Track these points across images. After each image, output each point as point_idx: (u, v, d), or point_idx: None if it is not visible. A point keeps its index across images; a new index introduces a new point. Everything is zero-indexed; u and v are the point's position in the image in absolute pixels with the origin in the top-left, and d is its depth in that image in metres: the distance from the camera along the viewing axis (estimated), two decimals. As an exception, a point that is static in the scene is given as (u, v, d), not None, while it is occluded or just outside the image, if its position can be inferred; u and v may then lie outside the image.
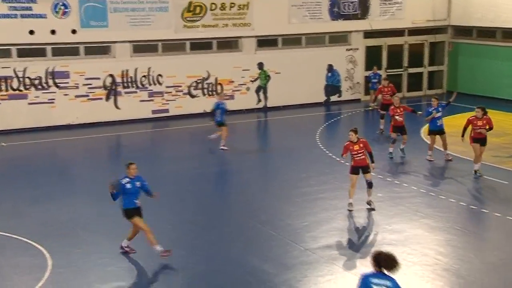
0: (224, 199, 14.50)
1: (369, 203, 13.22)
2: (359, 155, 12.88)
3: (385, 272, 6.88)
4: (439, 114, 16.56)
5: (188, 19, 22.37)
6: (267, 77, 23.83)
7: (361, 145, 12.89)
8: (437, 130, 16.60)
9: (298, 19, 24.02)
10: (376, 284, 6.93)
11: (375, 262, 6.97)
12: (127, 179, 10.76)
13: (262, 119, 23.10)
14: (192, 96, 22.93)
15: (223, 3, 22.72)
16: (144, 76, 22.15)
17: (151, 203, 11.37)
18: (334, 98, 25.12)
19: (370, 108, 23.36)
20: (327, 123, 22.19)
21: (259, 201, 14.11)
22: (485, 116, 15.31)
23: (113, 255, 11.10)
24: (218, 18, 22.81)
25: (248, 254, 11.18)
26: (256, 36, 23.56)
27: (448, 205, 13.51)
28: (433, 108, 16.69)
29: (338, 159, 16.67)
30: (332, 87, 25.07)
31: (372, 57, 25.61)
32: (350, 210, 13.07)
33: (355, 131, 12.93)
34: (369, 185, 13.15)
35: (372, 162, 13.15)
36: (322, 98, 24.77)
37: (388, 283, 6.87)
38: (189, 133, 21.02)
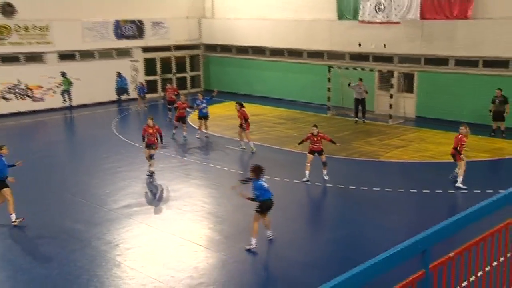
0: (44, 179, 13.30)
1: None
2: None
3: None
4: (203, 105, 16.93)
5: (-3, 38, 19.99)
6: (69, 83, 22.35)
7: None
8: (203, 116, 16.87)
9: (90, 38, 22.87)
10: (262, 182, 8.85)
11: (256, 172, 8.80)
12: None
13: (68, 115, 21.63)
14: (6, 100, 20.65)
15: (26, 26, 20.75)
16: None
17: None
18: (123, 97, 24.46)
19: (139, 109, 22.19)
20: (119, 116, 21.52)
21: (71, 178, 13.31)
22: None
23: None
24: (23, 37, 20.81)
25: (63, 218, 10.57)
26: (57, 51, 21.96)
27: (209, 169, 13.89)
28: (199, 101, 17.11)
29: (131, 142, 16.41)
30: (121, 89, 24.38)
31: (149, 66, 25.33)
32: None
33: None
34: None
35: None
36: (114, 97, 23.97)
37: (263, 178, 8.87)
38: (4, 130, 18.87)
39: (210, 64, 27.11)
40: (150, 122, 13.29)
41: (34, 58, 21.61)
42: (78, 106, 22.66)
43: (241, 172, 13.69)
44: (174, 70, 26.45)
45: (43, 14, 21.25)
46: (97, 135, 17.92)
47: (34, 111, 21.49)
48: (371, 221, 10.29)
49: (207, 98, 17.47)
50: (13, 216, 10.17)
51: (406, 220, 10.53)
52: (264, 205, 8.99)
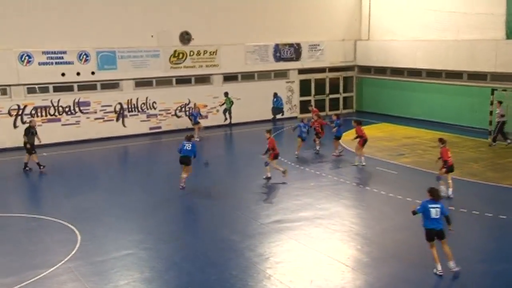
0: (209, 191, 14.07)
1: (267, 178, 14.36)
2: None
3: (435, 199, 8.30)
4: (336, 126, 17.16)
5: (174, 62, 22.31)
6: (231, 102, 23.90)
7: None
8: (336, 137, 17.19)
9: (251, 61, 24.22)
10: (432, 207, 8.35)
11: (430, 193, 8.36)
12: None
13: (228, 132, 23.16)
14: (178, 117, 22.86)
15: (198, 51, 22.74)
16: (143, 103, 22.00)
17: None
18: (278, 116, 25.43)
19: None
20: (275, 133, 22.29)
21: (230, 191, 13.82)
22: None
23: (125, 231, 11.03)
24: (195, 61, 22.81)
25: (222, 228, 11.09)
26: (222, 74, 23.63)
27: (359, 190, 13.74)
28: (335, 120, 17.38)
29: (282, 159, 16.56)
30: (277, 109, 25.37)
31: (304, 87, 25.90)
32: (266, 178, 14.35)
33: (269, 131, 14.60)
34: (265, 164, 14.29)
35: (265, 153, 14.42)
36: (270, 116, 25.01)
37: (438, 205, 8.36)
38: (177, 142, 20.81)
39: (364, 86, 26.83)
40: (268, 134, 14.57)
41: (203, 79, 23.53)
42: (237, 124, 24.06)
43: (391, 194, 13.21)
44: (327, 91, 26.67)
45: (213, 40, 23.12)
46: (252, 151, 18.59)
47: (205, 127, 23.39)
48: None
49: (337, 121, 17.35)
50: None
51: None
52: (428, 233, 8.64)
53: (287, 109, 25.61)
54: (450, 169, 12.69)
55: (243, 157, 18.11)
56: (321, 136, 18.11)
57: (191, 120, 21.61)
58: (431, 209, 8.39)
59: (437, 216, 8.44)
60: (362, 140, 15.98)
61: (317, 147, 17.92)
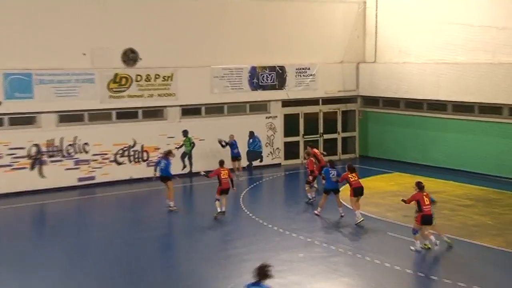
0: (151, 264, 14.05)
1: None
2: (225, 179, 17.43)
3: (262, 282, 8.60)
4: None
5: (114, 89, 22.36)
6: (191, 144, 23.89)
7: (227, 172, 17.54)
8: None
9: (220, 89, 24.41)
10: None
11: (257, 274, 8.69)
12: None
13: (187, 184, 22.97)
14: (119, 164, 22.73)
15: (148, 75, 22.88)
16: (70, 144, 21.83)
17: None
18: (256, 163, 25.45)
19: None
20: (250, 187, 22.28)
21: (185, 265, 13.90)
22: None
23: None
24: (144, 88, 22.90)
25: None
26: (180, 105, 23.74)
27: (363, 263, 13.64)
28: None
29: (263, 222, 16.93)
30: (254, 152, 25.43)
31: (290, 124, 26.17)
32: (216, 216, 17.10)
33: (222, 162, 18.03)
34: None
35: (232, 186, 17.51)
36: (244, 163, 24.97)
37: None
38: (117, 199, 20.65)
39: (369, 122, 27.19)
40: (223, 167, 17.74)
41: (154, 113, 23.59)
42: (199, 173, 23.93)
43: (409, 271, 13.16)
44: (321, 130, 26.94)
45: (168, 61, 23.28)
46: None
47: (149, 178, 23.16)
48: None
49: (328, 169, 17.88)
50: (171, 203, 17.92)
51: None
52: None
53: (267, 153, 25.72)
54: (425, 220, 14.00)
55: (207, 218, 17.84)
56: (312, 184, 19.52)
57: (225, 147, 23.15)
58: None
59: None
60: (352, 189, 16.97)
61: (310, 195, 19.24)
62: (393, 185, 21.52)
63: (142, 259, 14.33)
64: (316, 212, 17.68)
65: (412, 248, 14.24)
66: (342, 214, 17.39)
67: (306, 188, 19.47)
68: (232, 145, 23.15)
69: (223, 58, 24.40)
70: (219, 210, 17.35)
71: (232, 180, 17.66)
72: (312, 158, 19.73)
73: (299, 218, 17.78)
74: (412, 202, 14.41)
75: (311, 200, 19.02)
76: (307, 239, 15.43)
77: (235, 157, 23.19)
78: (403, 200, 14.69)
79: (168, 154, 19.29)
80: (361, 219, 16.61)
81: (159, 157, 20.28)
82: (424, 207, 14.05)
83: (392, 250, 14.61)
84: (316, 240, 15.37)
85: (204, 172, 18.77)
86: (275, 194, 21.27)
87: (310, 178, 19.26)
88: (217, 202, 17.38)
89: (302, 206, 18.95)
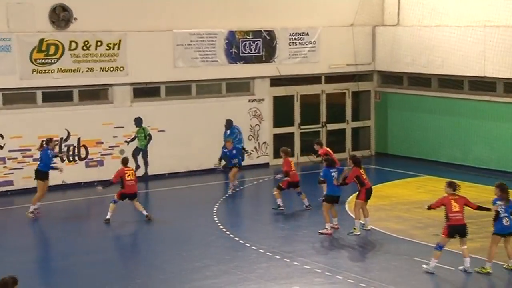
0: None
1: None
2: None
3: None
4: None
5: (39, 61, 22.16)
6: (147, 137, 23.78)
7: None
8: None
9: (185, 61, 24.30)
10: None
11: None
12: None
13: (141, 190, 22.62)
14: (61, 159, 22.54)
15: (86, 41, 22.72)
16: (-24, 137, 21.77)
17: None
18: (234, 161, 24.99)
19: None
20: (227, 195, 22.13)
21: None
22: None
23: None
24: (80, 60, 22.73)
25: None
26: (131, 84, 23.63)
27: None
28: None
29: (244, 242, 16.97)
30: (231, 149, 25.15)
31: (281, 109, 26.16)
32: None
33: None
34: None
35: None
36: (219, 162, 24.60)
37: None
38: (44, 212, 20.33)
39: (390, 108, 27.25)
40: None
41: (95, 94, 23.43)
42: (157, 176, 23.90)
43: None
44: (324, 118, 26.87)
45: (114, 23, 23.09)
46: (187, 228, 18.63)
47: (87, 182, 22.83)
48: None
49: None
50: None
51: None
52: None
53: (251, 150, 25.45)
54: (454, 230, 14.48)
55: (169, 236, 17.91)
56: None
57: (223, 161, 22.77)
58: None
59: None
60: (364, 189, 17.52)
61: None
62: (422, 193, 21.55)
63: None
64: (325, 231, 17.62)
65: (424, 267, 14.59)
66: (337, 226, 17.90)
67: (275, 193, 19.73)
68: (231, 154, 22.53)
69: (190, 20, 24.36)
70: (108, 216, 18.74)
71: None
72: (289, 158, 20.08)
73: (293, 237, 17.81)
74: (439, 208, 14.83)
75: (280, 208, 19.48)
76: (304, 266, 15.33)
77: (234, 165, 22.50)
78: (429, 207, 15.03)
79: (47, 142, 20.10)
80: (366, 228, 17.60)
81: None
82: (451, 214, 14.39)
83: (420, 280, 14.59)
84: (316, 267, 15.28)
85: (100, 185, 20.01)
86: (261, 205, 21.21)
87: (284, 182, 19.74)
88: (111, 205, 18.77)
89: (296, 221, 19.08)
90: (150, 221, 18.77)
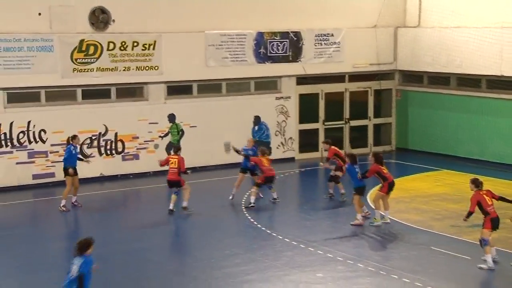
0: (126, 285, 14.14)
1: None
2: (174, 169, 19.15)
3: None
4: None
5: (79, 61, 22.48)
6: (180, 132, 24.04)
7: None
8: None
9: (216, 61, 24.51)
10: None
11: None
12: None
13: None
14: (86, 156, 22.66)
15: (123, 42, 22.99)
16: (22, 132, 22.03)
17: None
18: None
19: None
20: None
21: (174, 286, 14.02)
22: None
23: None
24: (118, 59, 23.02)
25: None
26: (165, 82, 23.86)
27: (398, 286, 13.66)
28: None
29: (273, 233, 17.10)
30: (260, 143, 25.32)
31: (307, 106, 26.31)
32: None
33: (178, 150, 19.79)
34: None
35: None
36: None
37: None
38: (83, 202, 20.61)
39: (410, 105, 27.32)
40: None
41: (131, 92, 23.74)
42: (189, 169, 24.01)
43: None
44: (347, 115, 27.07)
45: (149, 24, 23.34)
46: (216, 218, 18.89)
47: (124, 175, 23.38)
48: None
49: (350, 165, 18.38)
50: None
51: None
52: None
53: (277, 145, 25.80)
54: (493, 224, 14.23)
55: (201, 226, 18.08)
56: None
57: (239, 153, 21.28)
58: None
59: None
60: (387, 184, 17.62)
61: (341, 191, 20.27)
62: (440, 186, 21.69)
63: (116, 278, 14.33)
64: (357, 222, 17.77)
65: (482, 266, 14.27)
66: (369, 214, 18.10)
67: (252, 190, 20.03)
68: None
69: (221, 21, 24.51)
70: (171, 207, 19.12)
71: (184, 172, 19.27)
72: (266, 157, 20.25)
73: (317, 227, 17.94)
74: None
75: (252, 205, 19.66)
76: (327, 254, 15.47)
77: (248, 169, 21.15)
78: (469, 214, 14.62)
79: (72, 139, 20.24)
80: (386, 221, 17.65)
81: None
82: (488, 208, 14.28)
83: (438, 269, 14.57)
84: (339, 256, 15.39)
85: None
86: (287, 197, 21.26)
87: (260, 180, 20.05)
88: (173, 196, 19.25)
89: (320, 213, 19.23)
90: (186, 211, 18.95)
